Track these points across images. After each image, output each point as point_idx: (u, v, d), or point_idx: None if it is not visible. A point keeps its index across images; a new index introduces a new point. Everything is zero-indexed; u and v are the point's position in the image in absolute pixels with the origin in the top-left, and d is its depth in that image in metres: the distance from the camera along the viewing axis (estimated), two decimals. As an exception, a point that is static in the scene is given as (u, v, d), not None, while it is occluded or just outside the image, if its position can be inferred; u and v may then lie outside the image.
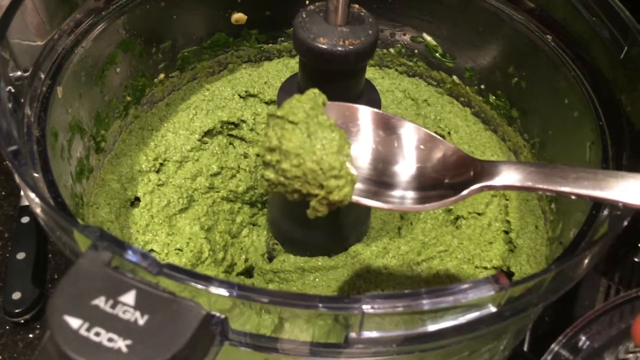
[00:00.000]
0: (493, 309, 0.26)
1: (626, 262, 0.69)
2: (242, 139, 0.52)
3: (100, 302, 0.22)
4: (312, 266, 0.45)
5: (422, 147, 0.31)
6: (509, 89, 0.49)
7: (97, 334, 0.22)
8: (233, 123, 0.52)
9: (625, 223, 0.30)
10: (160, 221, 0.45)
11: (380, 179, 0.31)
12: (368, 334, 0.25)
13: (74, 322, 0.22)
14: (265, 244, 0.50)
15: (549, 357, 0.69)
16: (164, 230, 0.45)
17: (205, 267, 0.45)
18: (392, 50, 0.55)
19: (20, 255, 0.55)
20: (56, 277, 0.57)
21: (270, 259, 0.49)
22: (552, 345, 0.68)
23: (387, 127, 0.31)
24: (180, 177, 0.48)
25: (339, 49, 0.33)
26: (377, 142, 0.31)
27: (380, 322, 0.25)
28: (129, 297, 0.22)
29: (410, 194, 0.30)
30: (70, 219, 0.26)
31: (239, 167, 0.51)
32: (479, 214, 0.47)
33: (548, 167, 0.29)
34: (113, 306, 0.22)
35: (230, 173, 0.50)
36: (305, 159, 0.28)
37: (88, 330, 0.22)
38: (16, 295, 0.52)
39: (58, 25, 0.39)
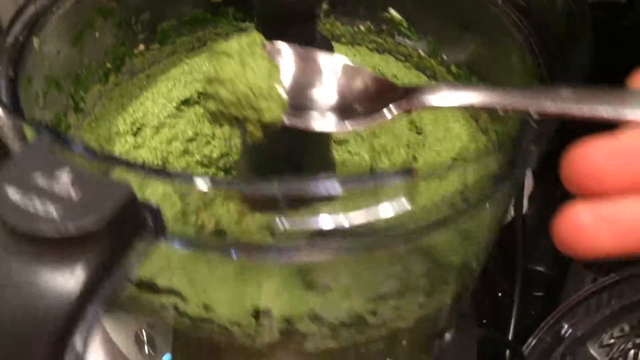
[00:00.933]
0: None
1: (610, 253, 0.70)
2: (218, 110, 0.55)
3: (39, 178, 0.25)
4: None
5: (344, 76, 0.33)
6: (467, 57, 0.51)
7: (34, 207, 0.24)
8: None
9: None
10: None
11: (309, 108, 0.33)
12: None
13: (14, 195, 0.24)
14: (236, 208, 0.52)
15: (533, 342, 0.70)
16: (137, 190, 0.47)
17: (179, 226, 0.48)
18: (362, 27, 0.58)
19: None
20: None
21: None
22: (535, 333, 0.69)
23: (313, 60, 0.34)
24: (156, 141, 0.51)
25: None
26: (305, 74, 0.34)
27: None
28: (65, 175, 0.25)
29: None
30: (22, 117, 0.29)
31: (213, 134, 0.54)
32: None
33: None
34: (50, 184, 0.25)
35: (205, 140, 0.53)
36: (238, 84, 0.31)
37: (27, 202, 0.24)
38: None
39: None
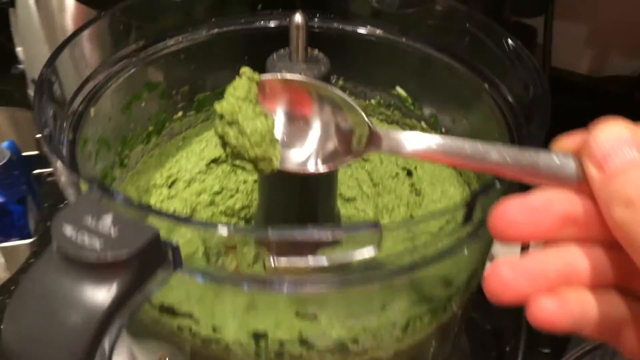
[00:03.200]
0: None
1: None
2: (243, 168, 0.63)
3: (88, 220, 0.33)
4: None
5: (331, 116, 0.41)
6: (461, 129, 0.58)
7: (83, 240, 0.32)
8: (236, 155, 0.63)
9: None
10: (166, 224, 0.56)
11: (299, 147, 0.41)
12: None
13: (69, 231, 0.32)
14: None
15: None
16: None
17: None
18: (373, 101, 0.65)
19: None
20: None
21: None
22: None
23: (303, 96, 0.42)
24: (187, 192, 0.59)
25: (298, 78, 0.45)
26: (295, 114, 0.42)
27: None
28: (108, 218, 0.33)
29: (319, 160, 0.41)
30: (78, 173, 0.37)
31: (237, 189, 0.62)
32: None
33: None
34: (96, 224, 0.32)
35: (229, 193, 0.61)
36: (240, 150, 0.39)
37: (78, 236, 0.32)
38: None
39: (97, 65, 0.52)
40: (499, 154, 0.33)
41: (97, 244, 0.32)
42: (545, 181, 0.31)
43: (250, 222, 0.62)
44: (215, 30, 0.60)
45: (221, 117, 0.41)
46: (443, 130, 0.61)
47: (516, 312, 0.75)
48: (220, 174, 0.62)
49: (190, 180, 0.60)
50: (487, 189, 0.36)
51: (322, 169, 0.41)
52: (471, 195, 0.36)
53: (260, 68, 0.64)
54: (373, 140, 0.39)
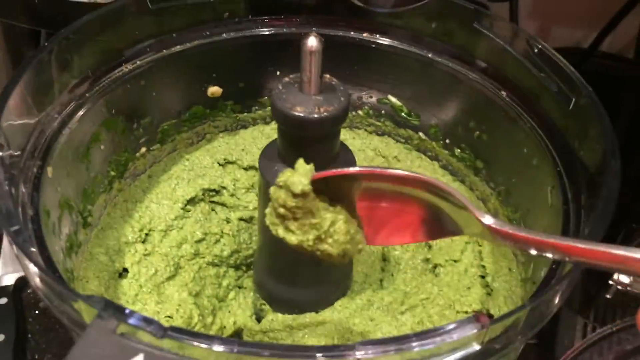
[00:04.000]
0: (477, 347, 0.28)
1: (599, 299, 0.72)
2: (223, 204, 0.54)
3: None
4: (301, 323, 0.46)
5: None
6: (472, 142, 0.52)
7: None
8: (214, 190, 0.54)
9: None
10: (149, 290, 0.46)
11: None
12: (363, 379, 0.26)
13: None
14: (253, 305, 0.51)
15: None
16: (153, 299, 0.46)
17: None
18: (360, 112, 0.58)
19: (0, 338, 0.54)
20: (36, 357, 0.56)
21: (259, 319, 0.50)
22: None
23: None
24: (165, 245, 0.50)
25: (315, 116, 0.36)
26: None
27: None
28: (138, 362, 0.24)
29: None
30: (73, 291, 0.28)
31: (222, 232, 0.53)
32: (455, 261, 0.49)
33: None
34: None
35: (214, 238, 0.52)
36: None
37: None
38: (-1, 378, 0.51)
39: (46, 108, 0.41)
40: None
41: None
42: None
43: (241, 268, 0.54)
44: (177, 48, 0.50)
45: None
46: (447, 142, 0.55)
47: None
48: (199, 216, 0.52)
49: (167, 230, 0.51)
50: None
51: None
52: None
53: (233, 85, 0.56)
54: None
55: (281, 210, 0.33)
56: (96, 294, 0.44)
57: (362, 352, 0.25)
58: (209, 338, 0.25)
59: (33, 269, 0.28)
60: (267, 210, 0.35)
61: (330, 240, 0.34)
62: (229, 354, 0.25)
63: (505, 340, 0.30)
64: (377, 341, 0.26)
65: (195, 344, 0.25)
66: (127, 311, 0.25)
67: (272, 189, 0.34)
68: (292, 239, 0.34)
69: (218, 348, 0.25)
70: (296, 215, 0.33)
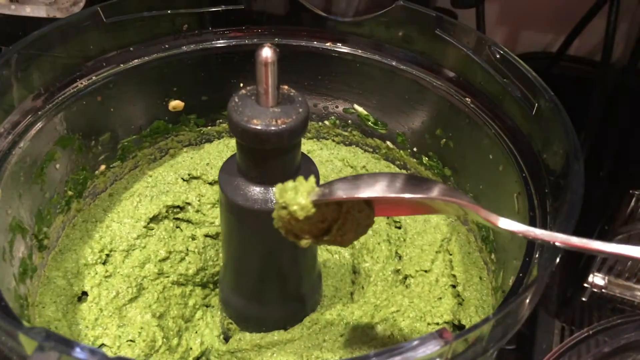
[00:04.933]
0: (442, 364, 0.27)
1: (575, 302, 0.72)
2: (188, 221, 0.53)
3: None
4: (269, 342, 0.45)
5: None
6: (439, 149, 0.51)
7: None
8: (178, 206, 0.52)
9: (554, 265, 0.31)
10: (110, 313, 0.45)
11: None
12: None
13: None
14: (220, 324, 0.49)
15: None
16: (114, 323, 0.44)
17: (159, 355, 0.45)
18: (327, 122, 0.57)
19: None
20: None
21: (226, 339, 0.48)
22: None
23: None
24: (127, 266, 0.48)
25: (272, 128, 0.35)
26: None
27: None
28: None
29: None
30: (13, 322, 0.26)
31: (187, 249, 0.51)
32: (425, 271, 0.48)
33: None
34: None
35: (179, 257, 0.50)
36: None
37: None
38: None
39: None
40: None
41: None
42: None
43: (208, 287, 0.52)
44: (135, 62, 0.49)
45: None
46: (415, 150, 0.54)
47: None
48: (163, 234, 0.51)
49: (129, 249, 0.49)
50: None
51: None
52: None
53: (195, 99, 0.54)
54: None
55: (287, 226, 0.33)
56: (53, 320, 0.42)
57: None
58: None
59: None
60: (275, 214, 0.34)
61: (340, 238, 0.34)
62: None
63: (472, 355, 0.29)
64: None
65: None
66: (69, 342, 0.24)
67: (275, 208, 0.33)
68: (303, 243, 0.34)
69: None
70: (303, 227, 0.33)
